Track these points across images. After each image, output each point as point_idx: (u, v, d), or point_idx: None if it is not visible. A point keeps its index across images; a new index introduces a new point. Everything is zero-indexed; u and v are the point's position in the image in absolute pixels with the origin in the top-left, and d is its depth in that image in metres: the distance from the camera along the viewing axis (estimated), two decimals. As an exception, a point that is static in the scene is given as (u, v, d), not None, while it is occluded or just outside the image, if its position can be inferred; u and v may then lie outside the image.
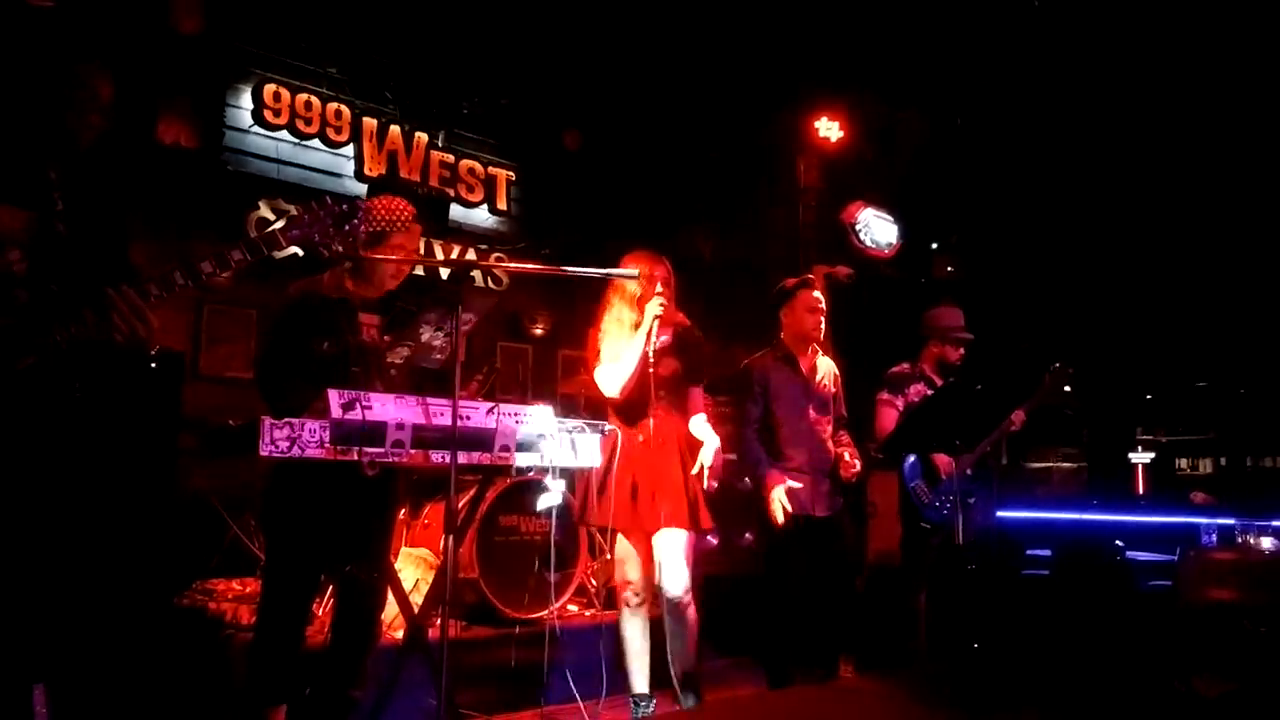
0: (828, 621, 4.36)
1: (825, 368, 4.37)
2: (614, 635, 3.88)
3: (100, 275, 2.40)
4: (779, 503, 3.98)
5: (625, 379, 3.67)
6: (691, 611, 3.69)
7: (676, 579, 3.64)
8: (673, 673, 3.71)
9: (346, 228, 2.63)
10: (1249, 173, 6.99)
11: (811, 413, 4.24)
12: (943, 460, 4.60)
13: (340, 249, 3.03)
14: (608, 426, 3.56)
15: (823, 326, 4.28)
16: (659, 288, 3.70)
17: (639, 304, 3.72)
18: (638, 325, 3.70)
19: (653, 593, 3.76)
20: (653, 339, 3.65)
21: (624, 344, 3.71)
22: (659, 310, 3.64)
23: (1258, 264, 7.58)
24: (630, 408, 3.75)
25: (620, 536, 3.73)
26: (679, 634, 3.70)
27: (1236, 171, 7.00)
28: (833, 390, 4.37)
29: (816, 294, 4.29)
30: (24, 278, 2.29)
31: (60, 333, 2.25)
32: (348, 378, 2.99)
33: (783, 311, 4.34)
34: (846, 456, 4.19)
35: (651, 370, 3.64)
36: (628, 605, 3.78)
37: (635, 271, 3.67)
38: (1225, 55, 6.13)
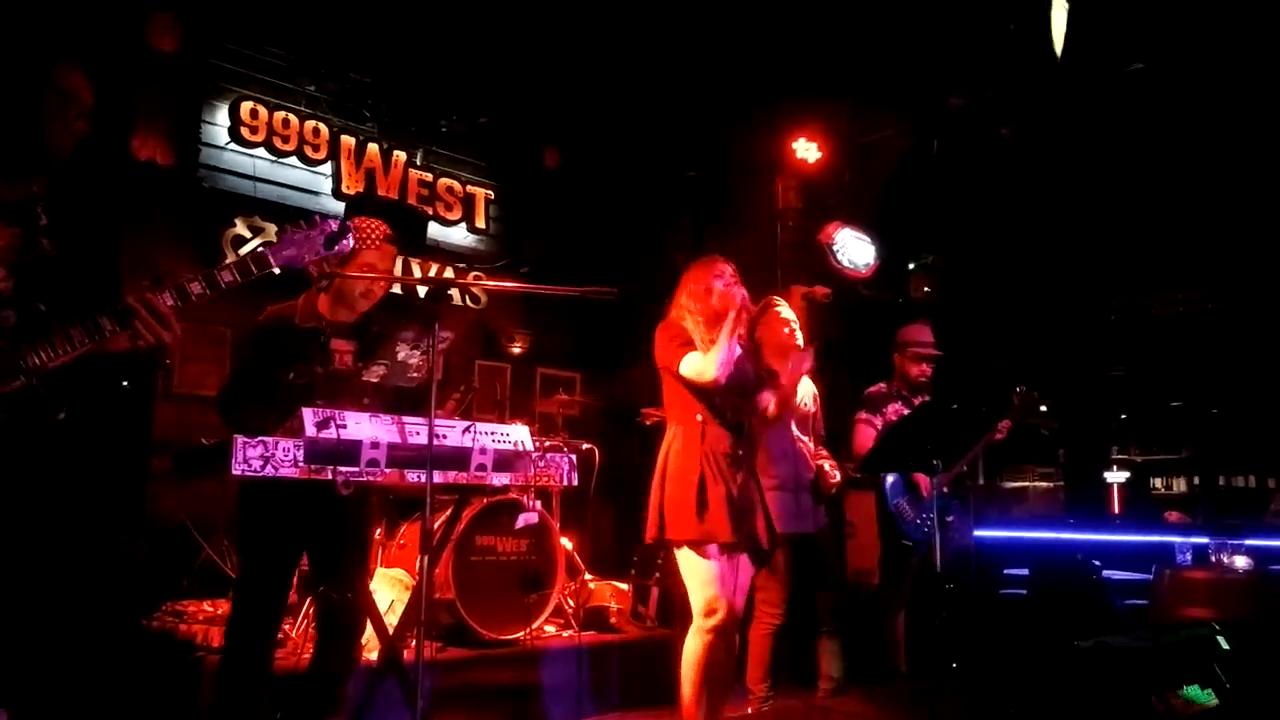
0: (814, 636, 4.38)
1: (805, 387, 4.42)
2: (631, 656, 3.82)
3: (89, 292, 2.35)
4: None
5: (721, 358, 3.31)
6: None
7: (743, 602, 3.51)
8: (722, 701, 3.54)
9: (336, 249, 2.58)
10: (1224, 193, 7.08)
11: (793, 429, 4.29)
12: (924, 478, 4.62)
13: (326, 269, 2.99)
14: (584, 446, 3.53)
15: (799, 335, 4.32)
16: (725, 280, 3.51)
17: (707, 296, 3.50)
18: (710, 321, 3.46)
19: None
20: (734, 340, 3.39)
21: (703, 342, 3.44)
22: (743, 293, 3.44)
23: (1231, 284, 7.68)
24: (727, 404, 3.46)
25: (713, 553, 3.34)
26: (732, 661, 3.58)
27: (1211, 193, 7.09)
28: (812, 409, 4.42)
29: (779, 308, 4.33)
30: (10, 297, 2.23)
31: (47, 354, 2.19)
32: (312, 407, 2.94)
33: (758, 334, 4.39)
34: (826, 467, 4.25)
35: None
36: (727, 628, 3.40)
37: (611, 291, 3.61)
38: (1202, 79, 6.22)
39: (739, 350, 3.45)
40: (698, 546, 3.30)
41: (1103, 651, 3.54)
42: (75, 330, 2.20)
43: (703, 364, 3.33)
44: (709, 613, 3.31)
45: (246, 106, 5.84)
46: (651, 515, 3.39)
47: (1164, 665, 3.63)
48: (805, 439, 4.34)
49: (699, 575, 3.32)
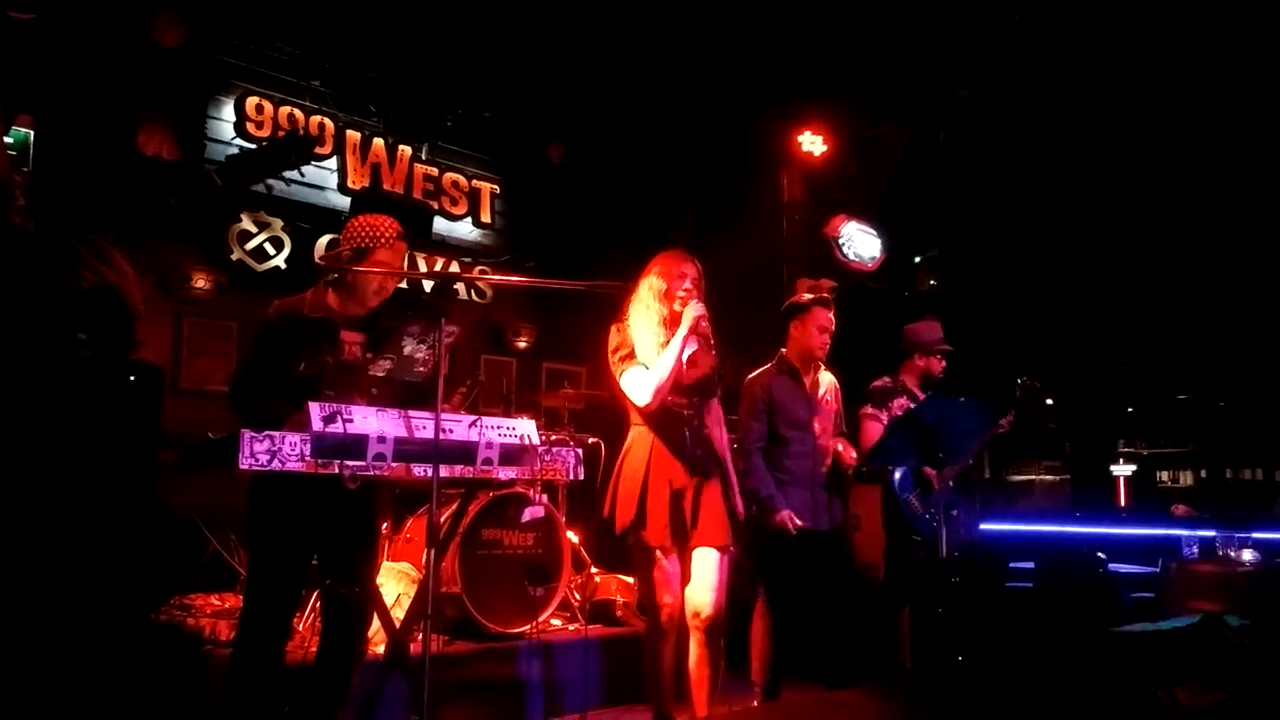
0: (834, 634, 4.37)
1: (826, 382, 4.40)
2: (613, 653, 3.81)
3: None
4: (789, 524, 3.99)
5: (658, 384, 3.40)
6: (722, 638, 3.52)
7: (717, 600, 3.47)
8: (700, 699, 3.54)
9: (292, 159, 2.52)
10: (1228, 187, 7.05)
11: (815, 427, 4.26)
12: (934, 472, 4.60)
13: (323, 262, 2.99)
14: (590, 440, 3.54)
15: (828, 347, 4.29)
16: (686, 285, 3.51)
17: (666, 299, 3.51)
18: (665, 321, 3.49)
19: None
20: (687, 345, 3.43)
21: (653, 346, 3.47)
22: (698, 311, 3.42)
23: (1236, 278, 7.66)
24: (663, 415, 3.50)
25: (659, 553, 3.45)
26: (714, 660, 3.51)
27: (1216, 186, 7.07)
28: (835, 405, 4.39)
29: (831, 315, 4.28)
30: None
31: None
32: (322, 398, 2.95)
33: (793, 324, 4.34)
34: (840, 449, 4.22)
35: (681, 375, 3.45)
36: (664, 627, 3.50)
37: (617, 284, 3.62)
38: (1203, 76, 6.20)
39: (695, 346, 3.49)
40: (638, 544, 3.46)
41: (1109, 644, 3.54)
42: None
43: (639, 387, 3.45)
44: (655, 606, 3.49)
45: (252, 102, 5.84)
46: (606, 505, 3.57)
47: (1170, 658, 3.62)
48: (829, 437, 4.33)
49: (643, 570, 3.51)
